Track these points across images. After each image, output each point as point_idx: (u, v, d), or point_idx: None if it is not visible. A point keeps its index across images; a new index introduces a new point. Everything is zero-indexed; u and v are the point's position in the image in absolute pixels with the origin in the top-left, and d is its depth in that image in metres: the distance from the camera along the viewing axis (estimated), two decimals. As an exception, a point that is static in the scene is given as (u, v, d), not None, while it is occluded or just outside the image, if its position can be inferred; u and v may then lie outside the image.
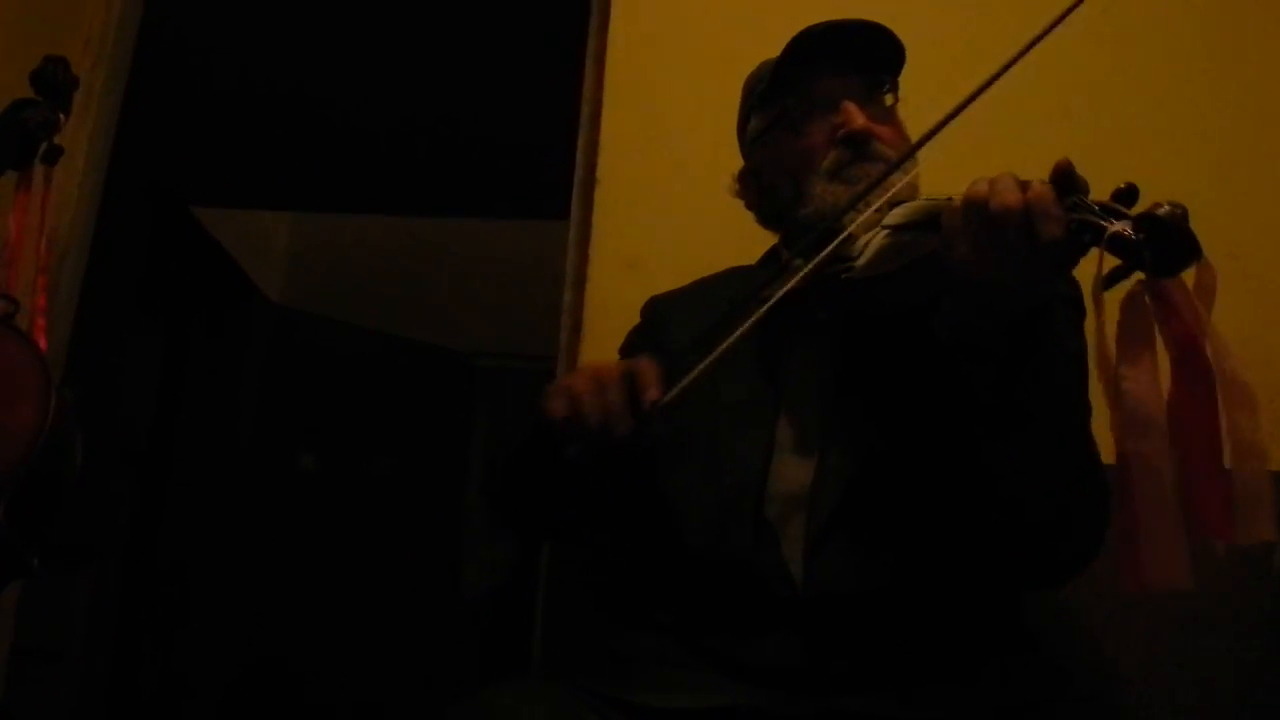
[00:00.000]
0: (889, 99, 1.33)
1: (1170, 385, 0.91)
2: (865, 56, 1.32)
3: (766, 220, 1.43)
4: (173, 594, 4.00)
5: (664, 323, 1.43)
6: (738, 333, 1.09)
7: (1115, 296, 0.90)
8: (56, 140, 1.74)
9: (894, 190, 1.11)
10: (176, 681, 3.94)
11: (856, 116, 1.28)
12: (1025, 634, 1.23)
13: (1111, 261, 0.88)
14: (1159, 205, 0.85)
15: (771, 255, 1.44)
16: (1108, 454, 0.99)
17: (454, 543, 4.57)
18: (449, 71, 3.40)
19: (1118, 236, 0.86)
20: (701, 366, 1.08)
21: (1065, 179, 0.91)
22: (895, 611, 1.16)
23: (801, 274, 1.10)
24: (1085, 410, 1.12)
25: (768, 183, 1.39)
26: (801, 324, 1.26)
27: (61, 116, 1.73)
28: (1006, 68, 1.04)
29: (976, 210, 0.94)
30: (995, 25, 1.92)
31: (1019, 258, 0.93)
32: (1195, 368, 0.88)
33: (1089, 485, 1.10)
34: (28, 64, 1.77)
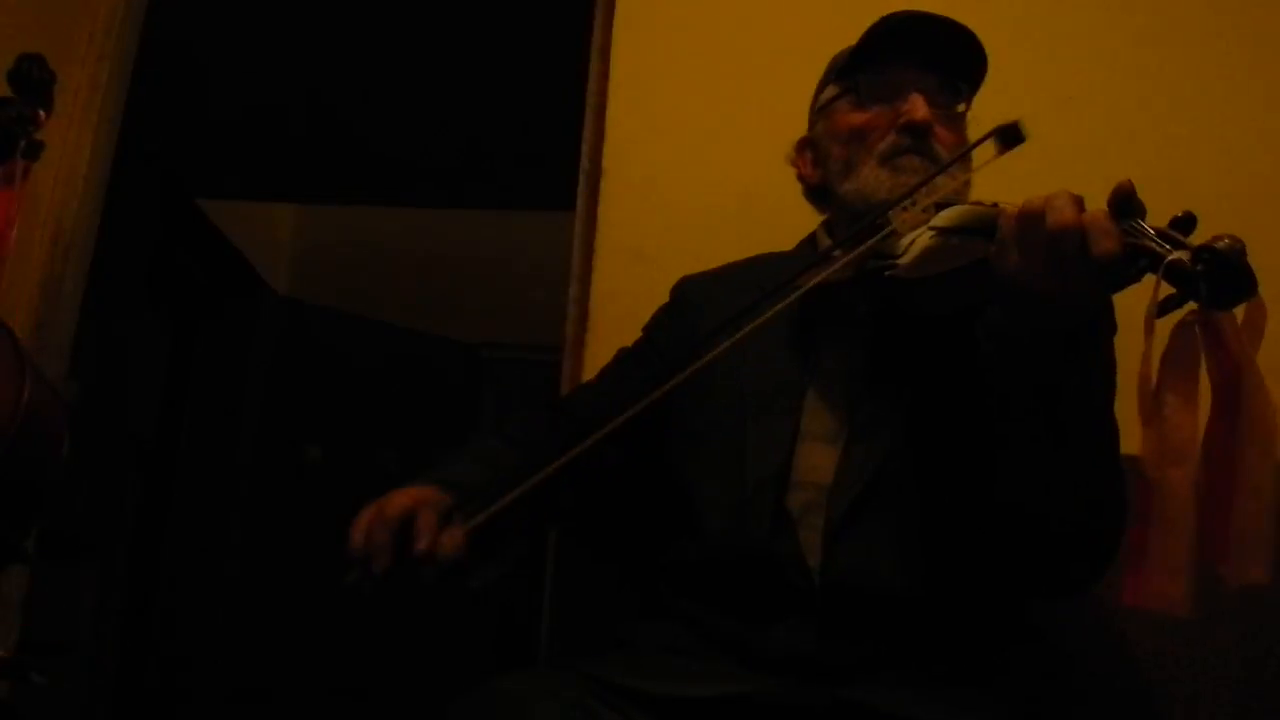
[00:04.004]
0: (960, 107, 1.33)
1: (1209, 416, 0.90)
2: (946, 56, 1.31)
3: (812, 193, 1.42)
4: (179, 587, 4.01)
5: (694, 307, 1.43)
6: (760, 319, 1.10)
7: (1164, 323, 0.89)
8: (40, 136, 1.76)
9: (943, 194, 1.11)
10: (183, 674, 3.95)
11: (921, 108, 1.27)
12: (1034, 627, 1.23)
13: (1165, 289, 0.87)
14: (1219, 238, 0.85)
15: (808, 242, 1.44)
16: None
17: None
18: (454, 63, 3.39)
19: (1176, 265, 0.86)
20: (731, 341, 1.09)
21: (1125, 201, 0.91)
22: (908, 604, 1.16)
23: (839, 264, 1.11)
24: (1114, 427, 1.11)
25: (822, 153, 1.38)
26: (837, 315, 1.26)
27: (41, 113, 1.74)
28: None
29: (1033, 222, 0.94)
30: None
31: (1072, 273, 0.92)
32: (1232, 402, 0.88)
33: (1112, 505, 1.10)
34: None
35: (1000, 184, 1.14)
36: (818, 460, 1.22)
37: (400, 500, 1.15)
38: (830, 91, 1.39)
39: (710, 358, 1.11)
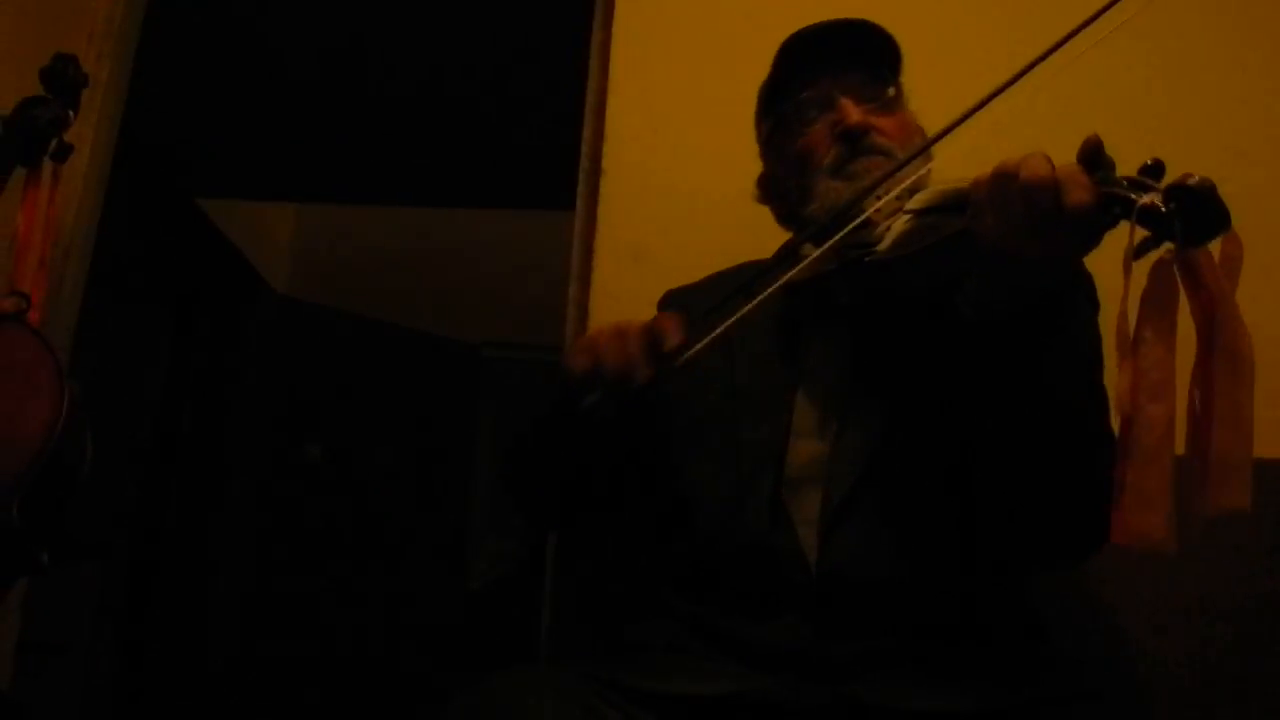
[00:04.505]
0: (889, 91, 1.34)
1: (1196, 353, 0.91)
2: (858, 53, 1.32)
3: (784, 220, 1.44)
4: (178, 586, 4.01)
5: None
6: (759, 298, 1.12)
7: (1141, 268, 0.90)
8: (65, 137, 1.75)
9: (907, 184, 1.12)
10: (182, 673, 3.95)
11: (852, 112, 1.29)
12: (1034, 622, 1.24)
13: (1140, 234, 0.89)
14: (1189, 176, 0.87)
15: (786, 248, 1.44)
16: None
17: (460, 533, 4.58)
18: (454, 62, 3.39)
19: (1148, 208, 0.88)
20: (726, 325, 1.10)
21: (1093, 154, 0.93)
22: (906, 592, 1.16)
23: (821, 250, 1.12)
24: (1103, 396, 1.12)
25: (780, 185, 1.40)
26: (821, 309, 1.28)
27: (70, 114, 1.73)
28: (1022, 72, 1.05)
29: (1006, 180, 0.95)
30: (1005, 20, 1.92)
31: (1047, 227, 0.93)
32: (1212, 338, 0.90)
33: (1103, 469, 1.10)
34: (32, 57, 1.77)
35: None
36: (810, 455, 1.23)
37: (616, 322, 1.13)
38: (766, 126, 1.42)
39: (713, 336, 1.12)
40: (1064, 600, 1.57)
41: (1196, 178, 0.86)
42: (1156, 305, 0.89)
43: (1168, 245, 0.89)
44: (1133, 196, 0.89)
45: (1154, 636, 1.62)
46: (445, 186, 4.34)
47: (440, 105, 3.67)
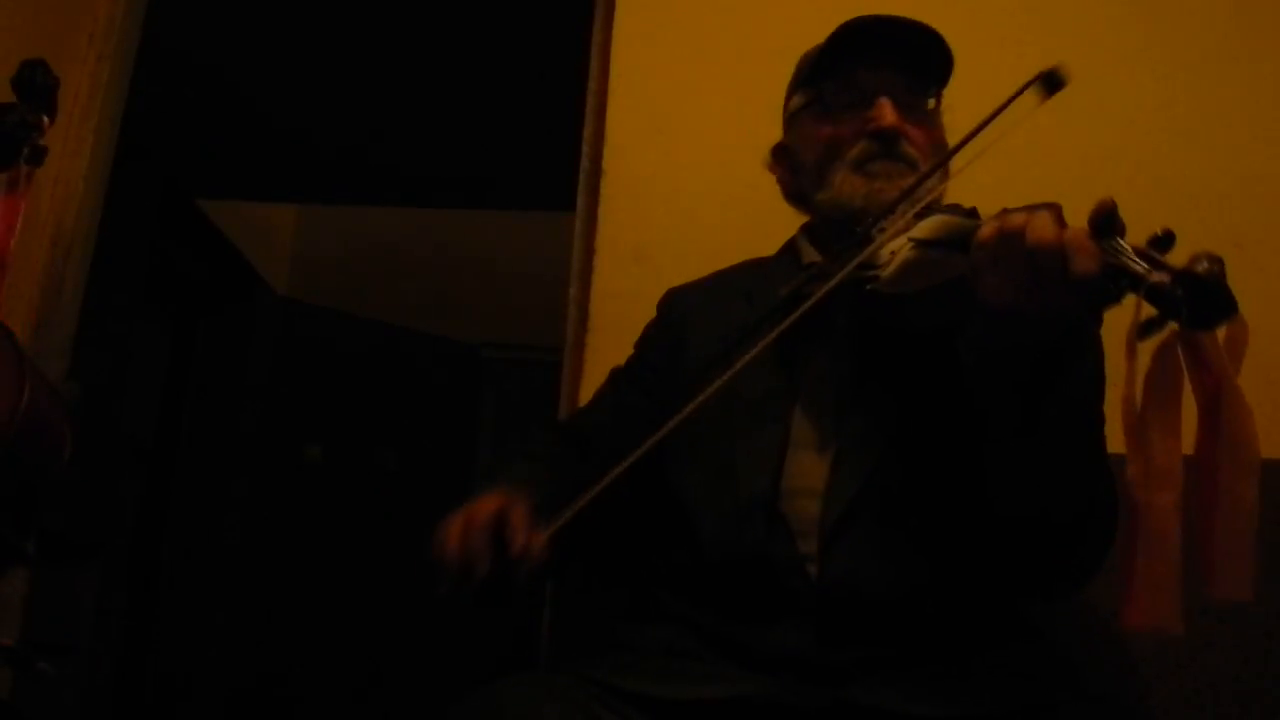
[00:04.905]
0: (929, 102, 1.33)
1: (1196, 434, 0.91)
2: (910, 56, 1.31)
3: (791, 197, 1.43)
4: (179, 587, 4.01)
5: (682, 320, 1.44)
6: (756, 350, 1.13)
7: (1147, 344, 0.89)
8: (43, 141, 1.76)
9: (923, 202, 1.12)
10: (183, 675, 3.95)
11: (888, 113, 1.28)
12: (1033, 628, 1.23)
13: (1147, 309, 0.87)
14: (1198, 261, 0.84)
15: (789, 249, 1.44)
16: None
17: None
18: (454, 62, 3.39)
19: (1157, 287, 0.85)
20: (593, 493, 1.11)
21: (1106, 220, 0.89)
22: (905, 606, 1.16)
23: (824, 290, 1.11)
24: (1100, 423, 1.11)
25: (797, 161, 1.39)
26: (821, 325, 1.26)
27: (45, 119, 1.74)
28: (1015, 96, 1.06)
29: (1011, 240, 0.93)
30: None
31: (1051, 292, 0.91)
32: (1216, 420, 0.89)
33: (1101, 506, 1.10)
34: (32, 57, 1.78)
35: (985, 180, 1.14)
36: (809, 468, 1.23)
37: (486, 506, 1.13)
38: (798, 99, 1.40)
39: (711, 391, 1.12)
40: (1064, 603, 1.57)
41: (1205, 263, 0.84)
42: (1162, 391, 0.88)
43: (1173, 326, 0.87)
44: (1140, 272, 0.86)
45: (1155, 639, 1.61)
46: (446, 188, 4.33)
47: (440, 106, 3.66)
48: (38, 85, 1.73)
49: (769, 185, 1.84)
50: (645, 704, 1.12)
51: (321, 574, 4.10)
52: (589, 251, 1.96)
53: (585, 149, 2.05)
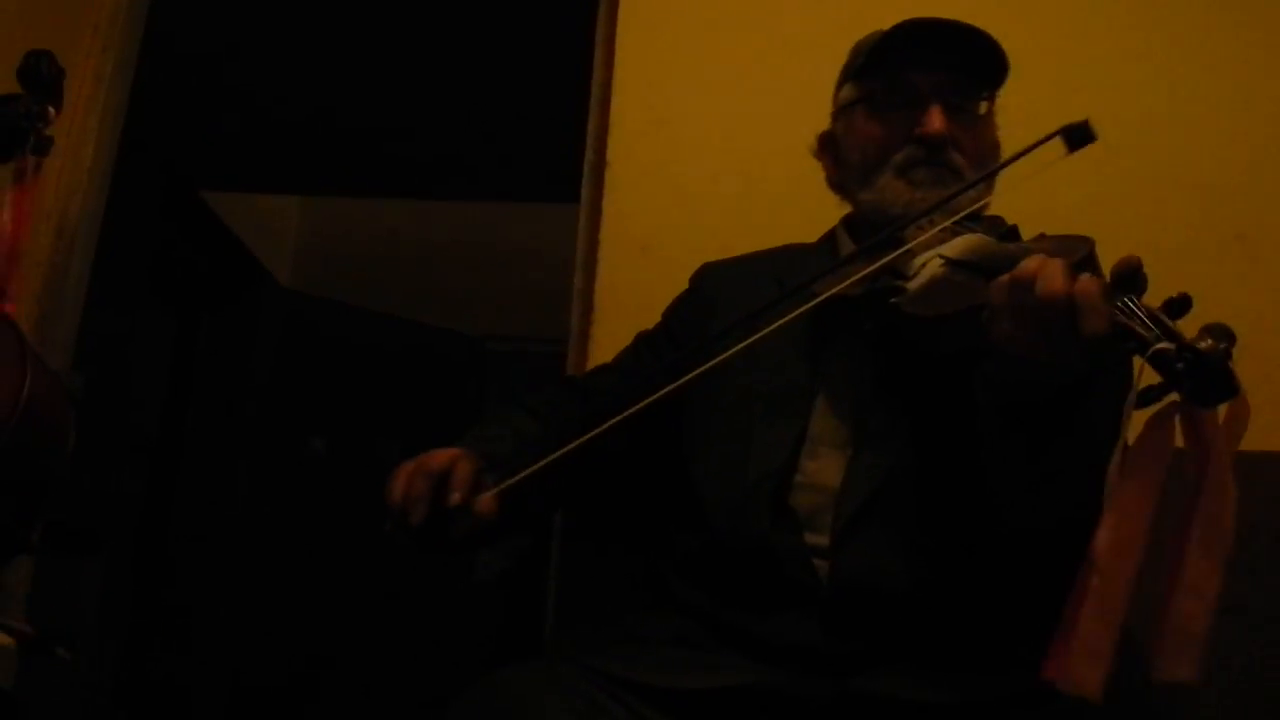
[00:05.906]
0: (981, 107, 1.33)
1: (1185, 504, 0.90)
2: (965, 60, 1.30)
3: (834, 186, 1.43)
4: (184, 579, 4.01)
5: (712, 296, 1.44)
6: (773, 326, 1.12)
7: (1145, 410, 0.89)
8: (50, 131, 1.76)
9: (964, 212, 1.12)
10: (188, 667, 3.95)
11: (937, 120, 1.27)
12: (1037, 619, 1.23)
13: (1150, 374, 0.86)
14: (1204, 338, 0.83)
15: (829, 238, 1.44)
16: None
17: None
18: (459, 54, 3.38)
19: (1161, 354, 0.85)
20: (547, 460, 1.13)
21: (1128, 277, 0.89)
22: (915, 603, 1.17)
23: (853, 279, 1.11)
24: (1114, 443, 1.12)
25: (842, 154, 1.39)
26: (847, 325, 1.27)
27: (51, 109, 1.74)
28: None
29: (1023, 290, 0.94)
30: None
31: (1058, 344, 0.92)
32: (1196, 499, 0.88)
33: None
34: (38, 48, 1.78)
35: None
36: (826, 464, 1.23)
37: (440, 456, 1.19)
38: (849, 92, 1.38)
39: (722, 359, 1.13)
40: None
41: (1210, 340, 0.83)
42: (1146, 459, 0.88)
43: (1173, 397, 0.86)
44: (1147, 337, 0.86)
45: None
46: (450, 179, 4.33)
47: (445, 97, 3.66)
48: (43, 76, 1.74)
49: (774, 176, 1.84)
50: (650, 693, 1.12)
51: (326, 564, 4.10)
52: (593, 243, 1.96)
53: (590, 140, 2.05)
